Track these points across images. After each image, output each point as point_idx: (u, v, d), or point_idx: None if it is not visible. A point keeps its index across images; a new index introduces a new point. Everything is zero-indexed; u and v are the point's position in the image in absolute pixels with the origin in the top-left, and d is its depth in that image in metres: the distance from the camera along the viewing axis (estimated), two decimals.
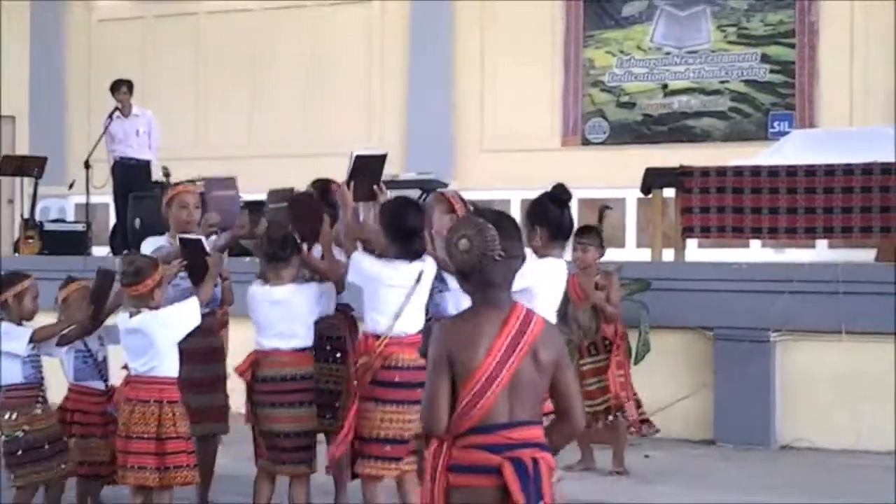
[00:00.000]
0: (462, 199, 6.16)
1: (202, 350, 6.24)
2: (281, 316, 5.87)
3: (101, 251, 13.41)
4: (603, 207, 8.56)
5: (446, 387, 3.45)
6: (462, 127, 15.68)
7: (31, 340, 6.14)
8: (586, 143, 15.17)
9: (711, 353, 9.42)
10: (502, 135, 15.38)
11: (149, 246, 6.44)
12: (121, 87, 13.06)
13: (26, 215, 13.51)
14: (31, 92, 17.49)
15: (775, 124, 14.14)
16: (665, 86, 14.81)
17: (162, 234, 6.62)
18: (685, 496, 7.46)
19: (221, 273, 6.24)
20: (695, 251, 11.80)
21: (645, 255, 11.55)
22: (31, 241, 12.95)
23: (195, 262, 6.09)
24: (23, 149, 16.48)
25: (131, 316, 5.85)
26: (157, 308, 5.83)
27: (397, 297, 5.47)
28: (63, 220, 14.97)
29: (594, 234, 7.94)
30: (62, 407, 6.40)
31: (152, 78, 15.93)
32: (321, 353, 6.22)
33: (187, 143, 15.68)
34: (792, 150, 10.97)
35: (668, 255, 10.58)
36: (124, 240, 12.13)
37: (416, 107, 15.69)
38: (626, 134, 14.97)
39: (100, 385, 6.38)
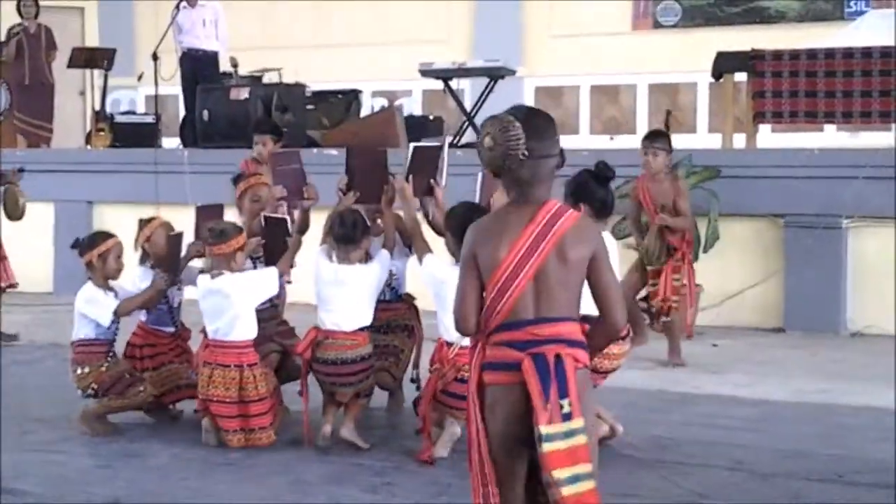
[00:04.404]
0: None
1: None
2: (345, 296, 5.86)
3: (170, 143, 13.47)
4: (669, 112, 8.45)
5: (474, 286, 3.45)
6: (530, 12, 15.43)
7: (114, 313, 6.15)
8: (657, 26, 14.90)
9: (782, 240, 9.35)
10: (572, 20, 15.10)
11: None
12: None
13: (97, 108, 13.58)
14: None
15: (852, 4, 13.78)
16: None
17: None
18: (754, 384, 7.44)
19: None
20: (767, 136, 11.61)
21: (716, 141, 11.41)
22: (102, 133, 13.01)
23: (275, 242, 6.17)
24: (92, 41, 16.51)
25: (212, 277, 5.92)
26: (237, 271, 5.93)
27: None
28: (133, 112, 15.01)
29: (664, 139, 7.86)
30: (130, 343, 6.48)
31: None
32: (393, 331, 6.38)
33: (254, 34, 15.61)
34: (868, 30, 10.74)
35: (740, 140, 10.44)
36: (193, 131, 12.18)
37: None
38: (699, 16, 14.65)
39: (170, 329, 6.49)
